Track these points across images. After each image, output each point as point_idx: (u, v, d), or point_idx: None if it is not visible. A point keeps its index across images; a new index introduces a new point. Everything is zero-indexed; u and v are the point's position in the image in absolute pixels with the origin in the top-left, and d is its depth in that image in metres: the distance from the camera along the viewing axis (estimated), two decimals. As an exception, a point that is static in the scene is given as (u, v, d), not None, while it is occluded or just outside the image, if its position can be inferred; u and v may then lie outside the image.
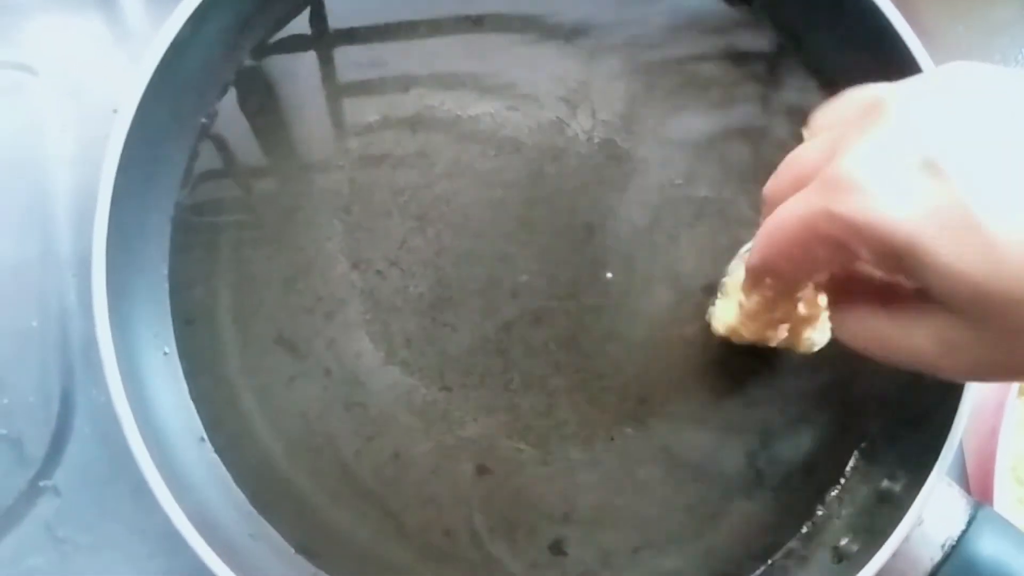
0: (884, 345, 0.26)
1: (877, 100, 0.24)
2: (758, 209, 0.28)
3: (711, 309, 0.38)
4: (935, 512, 0.35)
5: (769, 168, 0.28)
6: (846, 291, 0.28)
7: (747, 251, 0.37)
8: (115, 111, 0.35)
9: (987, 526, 0.35)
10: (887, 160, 0.22)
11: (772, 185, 0.27)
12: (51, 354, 0.41)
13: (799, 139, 0.29)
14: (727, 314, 0.36)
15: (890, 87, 0.24)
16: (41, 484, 0.40)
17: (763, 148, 0.39)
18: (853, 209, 0.22)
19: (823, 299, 0.35)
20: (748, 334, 0.34)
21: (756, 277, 0.28)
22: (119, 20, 0.43)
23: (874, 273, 0.28)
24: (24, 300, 0.41)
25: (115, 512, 0.40)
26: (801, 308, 0.35)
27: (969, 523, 0.35)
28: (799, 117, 0.28)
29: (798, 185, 0.25)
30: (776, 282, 0.27)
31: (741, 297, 0.30)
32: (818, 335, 0.36)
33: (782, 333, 0.36)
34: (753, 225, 0.27)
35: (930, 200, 0.21)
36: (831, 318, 0.28)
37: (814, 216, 0.23)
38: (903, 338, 0.25)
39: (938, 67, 0.24)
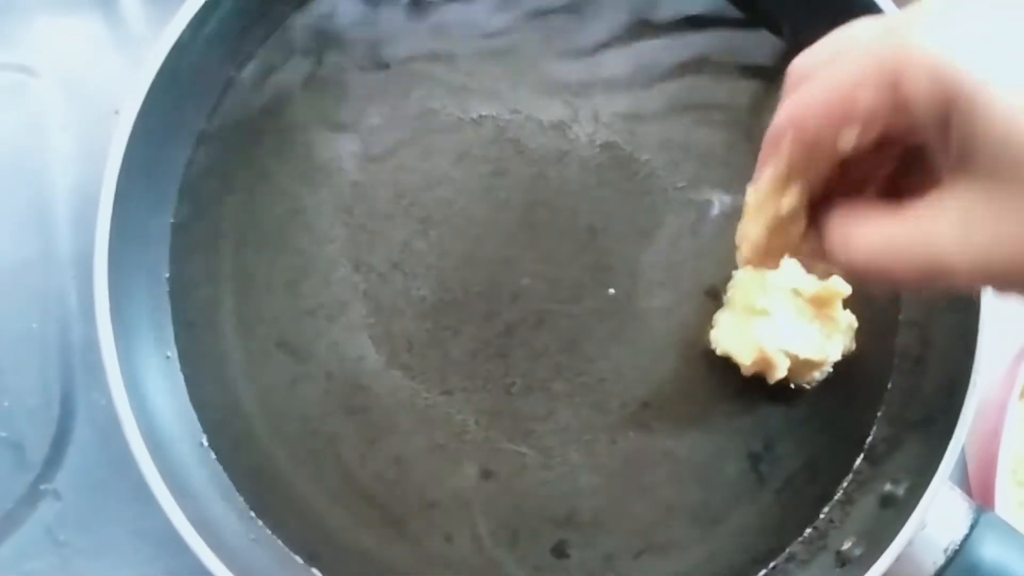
0: (894, 250, 0.25)
1: None
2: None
3: (713, 332, 0.38)
4: (938, 516, 0.35)
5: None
6: (850, 200, 0.27)
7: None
8: (116, 113, 0.35)
9: (990, 530, 0.35)
10: (964, 10, 0.22)
11: (806, 60, 0.26)
12: (52, 357, 0.41)
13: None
14: (727, 332, 0.37)
15: None
16: (42, 488, 0.40)
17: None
18: (928, 40, 0.22)
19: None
20: (760, 243, 0.31)
21: (774, 137, 0.26)
22: (119, 22, 0.43)
23: (884, 167, 0.27)
24: (24, 302, 0.41)
25: (116, 515, 0.40)
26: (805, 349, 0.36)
27: (972, 527, 0.35)
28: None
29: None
30: (793, 149, 0.26)
31: (749, 193, 0.29)
32: (818, 374, 0.38)
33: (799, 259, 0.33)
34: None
35: (1007, 49, 0.21)
36: (833, 243, 0.27)
37: (881, 49, 0.22)
38: (916, 234, 0.24)
39: None
